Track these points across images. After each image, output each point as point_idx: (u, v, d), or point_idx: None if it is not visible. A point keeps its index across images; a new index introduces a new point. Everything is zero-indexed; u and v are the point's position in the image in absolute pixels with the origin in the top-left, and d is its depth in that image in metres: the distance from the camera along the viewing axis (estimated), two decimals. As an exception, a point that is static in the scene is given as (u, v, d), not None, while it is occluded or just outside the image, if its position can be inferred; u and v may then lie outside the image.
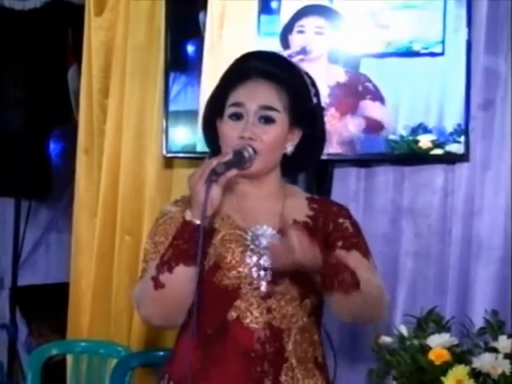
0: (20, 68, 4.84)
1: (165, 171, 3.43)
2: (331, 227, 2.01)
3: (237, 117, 1.94)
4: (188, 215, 1.84)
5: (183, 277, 1.83)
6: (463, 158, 3.10)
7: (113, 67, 3.53)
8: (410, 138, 2.99)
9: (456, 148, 2.95)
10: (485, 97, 3.14)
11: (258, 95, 1.95)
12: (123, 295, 3.41)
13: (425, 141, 2.97)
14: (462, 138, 3.03)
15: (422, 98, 3.00)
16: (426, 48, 2.93)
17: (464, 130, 3.06)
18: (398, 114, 2.99)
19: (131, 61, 3.49)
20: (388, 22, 2.93)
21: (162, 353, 3.28)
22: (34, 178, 4.92)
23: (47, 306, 4.07)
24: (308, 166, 2.22)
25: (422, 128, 2.99)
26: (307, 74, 2.06)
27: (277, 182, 2.04)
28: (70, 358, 3.49)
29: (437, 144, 2.98)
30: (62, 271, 4.05)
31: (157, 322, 2.00)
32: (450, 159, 3.13)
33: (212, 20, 3.09)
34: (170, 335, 3.29)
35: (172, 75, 3.22)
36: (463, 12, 2.97)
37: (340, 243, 1.99)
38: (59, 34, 4.34)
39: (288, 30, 2.97)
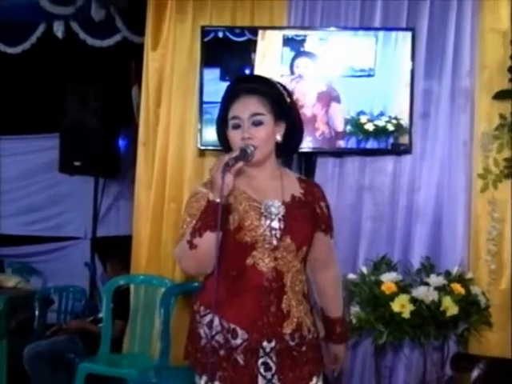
0: (98, 87, 4.82)
1: (199, 159, 3.38)
2: (318, 210, 1.98)
3: (236, 126, 1.91)
4: (211, 196, 1.80)
5: (209, 240, 1.79)
6: (407, 151, 3.09)
7: (163, 86, 3.48)
8: (356, 117, 3.02)
9: (379, 122, 3.05)
10: (423, 109, 3.12)
11: (247, 107, 1.90)
12: (169, 244, 3.38)
13: (363, 119, 3.01)
14: (407, 137, 3.03)
15: (363, 99, 3.05)
16: (363, 72, 3.01)
17: (408, 132, 3.04)
18: (350, 107, 3.03)
19: (176, 82, 3.45)
20: (345, 58, 3.07)
21: (196, 284, 3.26)
22: (107, 162, 4.92)
23: (119, 250, 4.04)
24: (293, 149, 2.12)
25: (362, 113, 3.02)
26: (279, 83, 2.01)
27: (274, 165, 1.99)
28: (132, 287, 3.50)
29: (369, 120, 3.03)
30: (127, 227, 3.98)
31: (192, 272, 1.96)
32: (398, 152, 3.11)
33: (258, 57, 3.10)
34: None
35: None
36: (386, 50, 3.04)
37: (323, 226, 1.99)
38: (126, 63, 4.29)
39: (292, 64, 3.05)
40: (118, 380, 3.34)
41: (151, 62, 3.50)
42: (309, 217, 1.94)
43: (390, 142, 3.00)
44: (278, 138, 1.96)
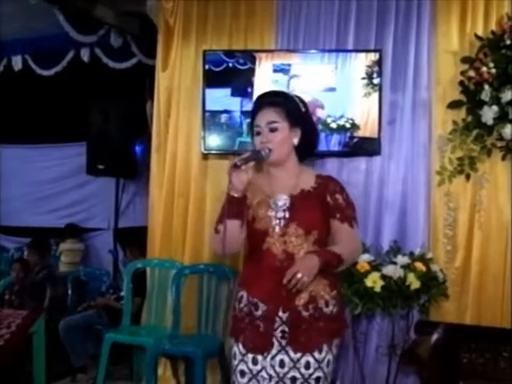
0: (118, 102, 4.80)
1: (203, 161, 3.36)
2: (330, 200, 1.91)
3: (258, 133, 1.92)
4: (227, 190, 1.82)
5: (229, 226, 1.80)
6: (377, 152, 3.07)
7: (172, 101, 3.45)
8: (324, 118, 3.05)
9: (340, 122, 3.07)
10: (390, 117, 3.08)
11: (265, 117, 1.90)
12: (179, 232, 3.37)
13: (329, 120, 3.04)
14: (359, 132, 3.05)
15: (329, 106, 3.08)
16: (327, 87, 3.09)
17: (378, 136, 3.02)
18: (330, 111, 3.07)
19: (183, 97, 3.42)
20: (321, 77, 3.11)
21: (201, 266, 3.25)
22: (126, 165, 4.90)
23: (136, 239, 4.00)
24: (311, 151, 2.04)
25: (329, 116, 3.05)
26: (297, 96, 2.00)
27: (294, 166, 1.94)
28: (148, 270, 3.48)
29: (333, 120, 3.05)
30: (143, 219, 3.94)
31: (219, 252, 1.91)
32: (370, 153, 3.08)
33: (256, 79, 3.17)
34: (205, 256, 3.26)
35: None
36: (342, 72, 3.08)
37: (338, 215, 1.90)
38: (141, 82, 4.25)
39: (288, 84, 3.14)
40: (137, 347, 3.33)
41: (162, 80, 3.48)
42: (317, 205, 1.89)
43: (347, 135, 3.05)
44: (295, 141, 1.93)
